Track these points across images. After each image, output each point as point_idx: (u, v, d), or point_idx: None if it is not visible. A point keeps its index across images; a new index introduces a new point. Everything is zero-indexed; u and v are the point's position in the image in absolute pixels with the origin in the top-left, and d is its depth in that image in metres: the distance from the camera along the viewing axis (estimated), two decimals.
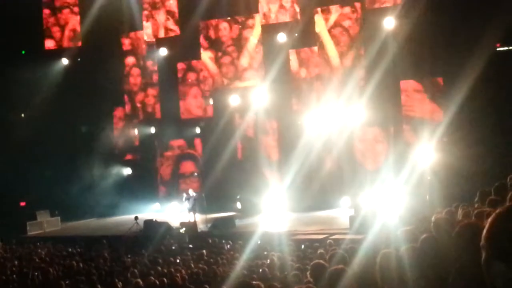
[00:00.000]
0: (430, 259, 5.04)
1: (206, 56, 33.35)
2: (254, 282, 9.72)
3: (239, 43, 32.66)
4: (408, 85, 29.24)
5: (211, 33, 33.11)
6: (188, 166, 34.42)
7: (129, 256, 19.16)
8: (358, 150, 30.12)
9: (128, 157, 35.80)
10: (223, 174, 31.10)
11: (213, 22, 32.97)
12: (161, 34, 34.44)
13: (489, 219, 2.35)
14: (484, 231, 2.33)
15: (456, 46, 25.83)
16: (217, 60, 33.09)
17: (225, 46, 32.88)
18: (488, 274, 2.30)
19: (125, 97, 35.57)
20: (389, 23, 28.49)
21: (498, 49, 26.70)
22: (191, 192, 28.29)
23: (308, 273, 7.64)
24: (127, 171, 35.43)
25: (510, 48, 26.75)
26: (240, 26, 32.55)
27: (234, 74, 32.74)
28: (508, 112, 24.91)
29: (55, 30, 36.56)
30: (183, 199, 28.38)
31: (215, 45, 33.11)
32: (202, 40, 33.24)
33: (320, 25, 30.66)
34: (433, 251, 5.19)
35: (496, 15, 23.35)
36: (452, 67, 26.23)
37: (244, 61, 32.53)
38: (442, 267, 4.69)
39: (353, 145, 30.14)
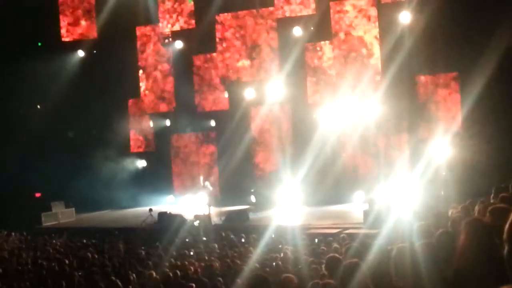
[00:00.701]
0: (446, 255, 5.02)
1: (221, 49, 33.30)
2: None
3: (254, 36, 32.55)
4: (424, 79, 29.12)
5: (227, 27, 33.04)
6: (204, 159, 34.44)
7: (143, 248, 19.18)
8: (373, 144, 30.01)
9: (143, 149, 35.87)
10: (237, 167, 31.09)
11: (229, 15, 32.90)
12: (177, 27, 34.40)
13: (511, 214, 2.34)
14: (506, 226, 2.32)
15: (472, 41, 25.71)
16: (233, 53, 33.04)
17: (241, 40, 32.80)
18: (510, 267, 2.29)
19: (140, 89, 35.59)
20: (405, 17, 28.38)
21: None
22: (207, 185, 28.34)
23: (323, 266, 7.64)
24: (141, 163, 35.53)
25: None
26: (255, 20, 32.44)
27: (250, 67, 32.68)
28: None
29: (71, 22, 36.61)
30: (199, 188, 28.43)
31: (231, 38, 33.03)
32: (217, 33, 33.18)
33: (336, 19, 30.57)
34: (449, 247, 5.17)
35: (511, 10, 23.22)
36: (467, 61, 26.12)
37: (260, 54, 32.44)
38: (458, 263, 4.68)
39: (368, 140, 30.03)
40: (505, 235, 2.33)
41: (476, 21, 25.45)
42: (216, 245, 18.83)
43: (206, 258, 16.21)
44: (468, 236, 4.33)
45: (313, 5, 30.82)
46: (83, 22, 36.25)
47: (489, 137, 24.57)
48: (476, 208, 7.54)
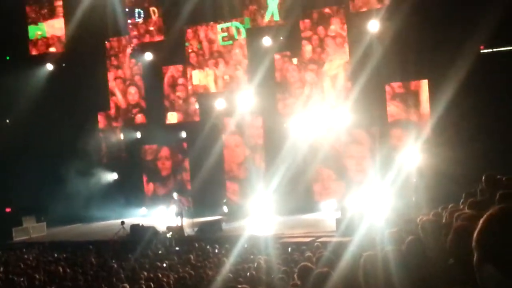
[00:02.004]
0: (416, 261, 5.04)
1: (191, 60, 33.31)
2: (240, 286, 9.72)
3: (224, 47, 32.62)
4: (394, 87, 29.30)
5: (196, 38, 33.07)
6: (175, 171, 34.35)
7: (115, 261, 19.08)
8: (344, 152, 30.12)
9: (114, 162, 35.69)
10: (209, 178, 31.02)
11: (198, 27, 32.94)
12: (146, 38, 34.37)
13: (481, 221, 2.34)
14: (475, 233, 2.32)
15: (441, 48, 25.92)
16: (202, 64, 33.05)
17: (210, 50, 32.85)
18: (480, 276, 2.29)
19: (110, 101, 35.48)
20: (374, 26, 28.56)
21: (482, 51, 26.82)
22: (175, 196, 28.33)
23: (295, 275, 7.64)
24: (113, 176, 35.30)
25: (494, 50, 26.87)
26: (224, 31, 32.51)
27: (220, 78, 32.70)
28: (492, 114, 25.02)
29: (40, 35, 36.49)
30: (170, 202, 28.38)
31: (200, 49, 33.06)
32: (187, 44, 33.20)
33: (305, 29, 30.74)
34: (419, 253, 5.20)
35: (480, 17, 23.47)
36: (437, 69, 26.34)
37: (229, 65, 32.50)
38: (428, 269, 4.70)
39: (339, 148, 30.14)
40: (474, 243, 2.34)
41: (445, 29, 25.69)
42: (190, 256, 18.78)
43: (180, 269, 16.16)
44: (455, 240, 4.35)
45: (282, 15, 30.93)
46: (51, 36, 36.11)
47: (459, 144, 24.75)
48: (444, 214, 7.59)
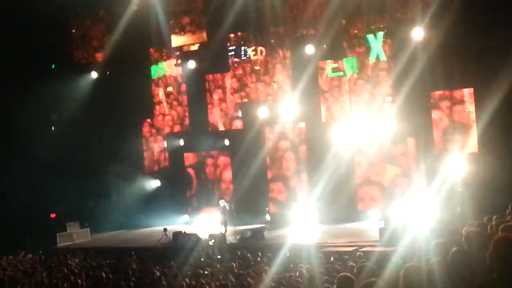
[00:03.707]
0: (461, 273, 4.93)
1: (235, 68, 33.39)
2: None
3: (267, 55, 32.61)
4: (439, 96, 28.97)
5: (240, 45, 33.13)
6: (218, 178, 34.39)
7: (157, 268, 19.13)
8: (388, 161, 29.85)
9: (157, 169, 35.92)
10: (252, 186, 30.99)
11: (242, 34, 33.00)
12: (190, 47, 34.52)
13: None
14: None
15: (487, 56, 25.54)
16: (246, 73, 33.09)
17: (254, 58, 32.87)
18: None
19: (154, 109, 35.73)
20: (418, 34, 28.26)
21: None
22: (222, 203, 28.35)
23: (335, 286, 7.55)
24: (156, 183, 35.48)
25: None
26: (268, 39, 32.50)
27: (263, 86, 32.70)
28: None
29: (84, 43, 36.93)
30: (220, 209, 28.41)
31: (244, 58, 33.12)
32: (230, 52, 33.28)
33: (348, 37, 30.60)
34: (464, 265, 5.08)
35: None
36: (482, 77, 25.95)
37: (273, 73, 32.48)
38: (472, 282, 4.58)
39: (383, 157, 29.88)
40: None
41: (491, 35, 25.32)
42: (233, 264, 18.76)
43: (221, 277, 16.13)
44: (497, 251, 4.25)
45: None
46: (95, 44, 36.50)
47: (505, 153, 24.39)
48: (489, 225, 7.43)
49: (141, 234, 31.60)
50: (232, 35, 33.03)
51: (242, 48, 33.05)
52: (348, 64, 30.62)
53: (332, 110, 31.06)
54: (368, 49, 30.17)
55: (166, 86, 35.63)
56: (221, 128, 34.08)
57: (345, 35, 30.53)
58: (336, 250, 22.23)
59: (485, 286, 4.22)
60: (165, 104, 35.61)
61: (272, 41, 32.35)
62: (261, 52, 32.66)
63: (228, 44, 33.24)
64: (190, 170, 35.00)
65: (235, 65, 33.38)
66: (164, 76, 35.55)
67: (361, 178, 30.21)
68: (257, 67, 32.80)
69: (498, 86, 24.07)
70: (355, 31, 30.51)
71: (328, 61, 30.99)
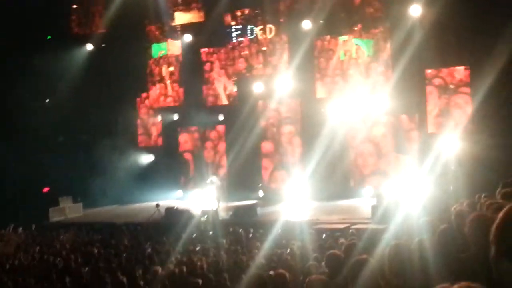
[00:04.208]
0: (447, 250, 4.88)
1: (231, 43, 33.21)
2: (272, 272, 9.61)
3: (263, 30, 32.43)
4: (435, 73, 28.89)
5: (236, 21, 32.93)
6: (211, 154, 34.30)
7: (149, 243, 19.12)
8: (382, 139, 29.83)
9: (151, 144, 35.82)
10: (245, 162, 30.95)
11: (239, 11, 32.78)
12: (186, 20, 34.25)
13: (500, 214, 2.18)
14: (494, 226, 2.17)
15: (483, 34, 25.39)
16: (242, 48, 32.93)
17: (250, 34, 32.70)
18: (496, 270, 2.14)
19: (149, 83, 35.57)
20: (415, 10, 28.12)
21: None
22: (214, 179, 28.24)
23: (323, 263, 7.53)
24: (149, 158, 35.41)
25: None
26: (264, 15, 32.30)
27: (258, 61, 32.56)
28: None
29: (80, 15, 36.66)
30: (207, 183, 28.31)
31: (240, 33, 32.92)
32: (226, 27, 33.07)
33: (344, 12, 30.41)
34: (449, 243, 5.04)
35: None
36: (479, 55, 25.86)
37: (268, 48, 32.34)
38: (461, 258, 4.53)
39: (377, 134, 29.85)
40: (491, 237, 2.18)
41: (487, 14, 25.18)
42: (224, 240, 18.75)
43: (212, 254, 16.11)
44: (472, 231, 4.21)
45: None
46: (91, 16, 36.22)
47: (499, 131, 24.36)
48: (481, 202, 7.40)
49: (134, 209, 31.55)
50: (238, 13, 32.74)
51: (248, 26, 32.75)
52: (365, 46, 30.36)
53: (327, 87, 30.95)
54: (387, 30, 29.87)
55: (166, 64, 35.36)
56: (216, 103, 33.92)
57: (343, 10, 30.29)
58: (328, 227, 22.25)
59: (458, 262, 4.18)
60: (159, 79, 35.37)
61: (281, 19, 31.99)
62: (270, 30, 32.38)
63: (234, 23, 32.95)
64: (184, 145, 34.89)
65: (239, 45, 33.11)
66: (166, 55, 35.32)
67: (355, 155, 30.15)
68: (264, 48, 32.55)
69: (493, 65, 23.99)
70: (371, 10, 30.21)
71: (341, 39, 30.73)
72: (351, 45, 30.48)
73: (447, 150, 25.77)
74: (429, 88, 28.94)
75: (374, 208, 22.80)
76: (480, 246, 3.76)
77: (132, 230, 24.10)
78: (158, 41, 35.28)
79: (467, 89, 28.16)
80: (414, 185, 24.55)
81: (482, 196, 8.17)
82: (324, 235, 19.62)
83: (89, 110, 33.99)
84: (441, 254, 4.75)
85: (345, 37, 30.60)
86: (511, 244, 2.10)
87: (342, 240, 15.04)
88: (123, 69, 33.64)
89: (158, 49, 35.51)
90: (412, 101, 28.67)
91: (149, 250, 17.37)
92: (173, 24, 34.39)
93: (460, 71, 28.41)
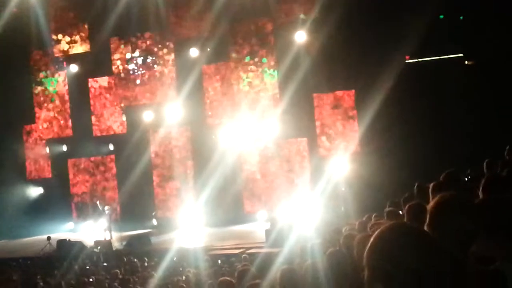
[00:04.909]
0: (336, 273, 4.99)
1: (118, 72, 32.91)
2: None
3: (151, 58, 32.35)
4: (322, 98, 29.54)
5: (123, 50, 32.71)
6: (102, 184, 33.77)
7: (39, 277, 18.63)
8: (273, 163, 30.17)
9: (39, 176, 34.88)
10: (137, 190, 30.62)
11: (124, 39, 32.58)
12: (71, 50, 33.71)
13: (372, 238, 2.25)
14: (366, 250, 2.22)
15: (368, 59, 26.21)
16: (129, 76, 32.71)
17: (137, 62, 32.54)
18: None
19: (35, 114, 34.66)
20: (301, 36, 28.73)
21: (407, 61, 27.29)
22: (104, 209, 27.84)
23: None
24: (38, 190, 34.47)
25: (419, 60, 27.40)
26: (151, 42, 32.27)
27: (147, 89, 32.40)
28: (417, 124, 25.40)
29: None
30: (98, 213, 27.85)
31: (127, 61, 32.72)
32: (113, 56, 32.79)
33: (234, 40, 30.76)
34: (341, 264, 5.15)
35: (404, 29, 23.87)
36: (364, 80, 26.65)
37: (157, 76, 32.25)
38: (347, 281, 4.65)
39: (268, 158, 30.19)
40: (364, 260, 2.24)
41: (372, 39, 26.03)
42: (118, 271, 18.48)
43: (107, 284, 15.87)
44: (329, 266, 4.34)
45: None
46: None
47: (385, 153, 25.09)
48: (368, 224, 7.62)
49: (24, 243, 30.57)
50: (125, 41, 32.55)
51: (136, 54, 32.58)
52: (254, 72, 30.79)
53: (217, 114, 31.13)
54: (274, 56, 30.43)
55: (53, 95, 34.54)
56: (105, 132, 33.46)
57: (230, 38, 30.67)
58: (223, 253, 22.34)
59: (349, 284, 4.29)
60: (46, 109, 34.56)
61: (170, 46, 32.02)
62: (159, 58, 32.34)
63: (121, 51, 32.73)
64: (74, 176, 34.20)
65: (128, 73, 32.90)
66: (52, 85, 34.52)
67: (247, 180, 30.37)
68: (153, 75, 32.44)
69: (378, 88, 24.81)
70: (259, 36, 30.68)
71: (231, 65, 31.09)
72: (240, 71, 30.79)
73: (337, 172, 26.34)
74: (317, 112, 29.53)
75: (267, 232, 23.01)
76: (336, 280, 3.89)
77: (22, 264, 23.41)
78: (43, 69, 34.44)
79: (354, 113, 28.93)
80: (306, 208, 24.94)
81: (373, 216, 8.41)
82: (219, 261, 19.67)
83: None
84: (332, 276, 4.86)
85: (234, 64, 30.88)
86: (381, 268, 2.16)
87: (238, 265, 15.09)
88: (8, 100, 32.68)
89: (48, 81, 34.71)
90: (302, 125, 29.15)
91: (41, 283, 16.93)
92: (58, 54, 33.74)
93: (347, 96, 29.17)
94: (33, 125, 34.72)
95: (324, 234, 13.11)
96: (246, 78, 30.78)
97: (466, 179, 9.05)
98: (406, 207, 5.00)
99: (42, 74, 34.50)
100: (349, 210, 23.11)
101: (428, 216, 2.81)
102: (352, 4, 25.95)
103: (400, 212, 7.56)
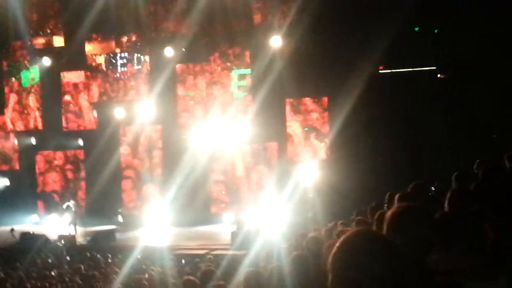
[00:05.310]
0: (299, 277, 5.00)
1: (91, 68, 32.70)
2: None
3: (126, 56, 32.22)
4: (293, 103, 29.64)
5: (98, 46, 32.52)
6: (70, 179, 33.51)
7: (1, 269, 18.45)
8: (243, 166, 30.20)
9: (6, 167, 34.51)
10: (105, 187, 30.42)
11: (100, 36, 32.38)
12: (45, 43, 33.41)
13: (336, 244, 2.25)
14: (331, 255, 2.23)
15: (340, 67, 26.37)
16: (102, 72, 32.51)
17: (111, 59, 32.36)
18: None
19: (5, 106, 34.29)
20: (276, 41, 28.78)
21: (380, 71, 27.49)
22: (70, 204, 27.65)
23: None
24: (4, 181, 34.09)
25: (391, 71, 27.62)
26: (126, 40, 32.12)
27: (119, 87, 32.24)
28: (385, 133, 25.59)
29: None
30: (64, 208, 27.67)
31: (102, 57, 32.53)
32: (87, 52, 32.57)
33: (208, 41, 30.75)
34: (301, 269, 5.16)
35: (379, 38, 24.03)
36: (335, 87, 26.77)
37: (130, 74, 32.11)
38: (310, 285, 4.67)
39: (238, 161, 30.21)
40: (328, 265, 2.24)
41: (343, 47, 26.20)
42: (81, 266, 18.37)
43: (68, 279, 15.75)
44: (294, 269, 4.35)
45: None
46: None
47: (353, 160, 25.25)
48: (335, 230, 7.67)
49: None
50: (99, 38, 32.35)
51: (110, 51, 32.40)
52: (227, 73, 30.83)
53: (189, 114, 31.06)
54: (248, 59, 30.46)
55: (24, 88, 34.20)
56: (76, 127, 33.20)
57: (205, 39, 30.63)
58: (188, 253, 22.33)
59: None
60: (16, 101, 34.21)
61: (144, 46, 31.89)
62: (132, 56, 32.21)
63: (94, 47, 32.52)
64: (41, 169, 33.90)
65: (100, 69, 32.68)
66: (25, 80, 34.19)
67: (216, 182, 30.35)
68: (126, 73, 32.26)
69: (347, 95, 24.98)
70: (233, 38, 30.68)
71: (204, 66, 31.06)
72: (214, 73, 30.79)
73: (306, 178, 26.42)
74: (288, 117, 29.63)
75: (233, 234, 23.05)
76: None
77: None
78: (15, 60, 34.08)
79: (325, 119, 29.07)
80: (274, 212, 24.99)
81: (339, 223, 8.46)
82: (183, 261, 19.64)
83: None
84: (296, 279, 4.87)
85: (207, 64, 30.87)
86: (344, 275, 2.17)
87: (201, 265, 15.08)
88: None
89: (21, 74, 34.36)
90: (273, 129, 29.20)
91: (2, 275, 16.77)
92: (32, 47, 33.41)
93: (319, 101, 29.30)
94: (2, 116, 34.35)
95: (291, 239, 13.17)
96: (219, 80, 30.79)
97: (433, 189, 9.15)
98: (376, 215, 5.03)
99: (13, 66, 34.14)
100: (316, 215, 23.16)
101: (389, 222, 2.80)
102: (327, 11, 26.10)
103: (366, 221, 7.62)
